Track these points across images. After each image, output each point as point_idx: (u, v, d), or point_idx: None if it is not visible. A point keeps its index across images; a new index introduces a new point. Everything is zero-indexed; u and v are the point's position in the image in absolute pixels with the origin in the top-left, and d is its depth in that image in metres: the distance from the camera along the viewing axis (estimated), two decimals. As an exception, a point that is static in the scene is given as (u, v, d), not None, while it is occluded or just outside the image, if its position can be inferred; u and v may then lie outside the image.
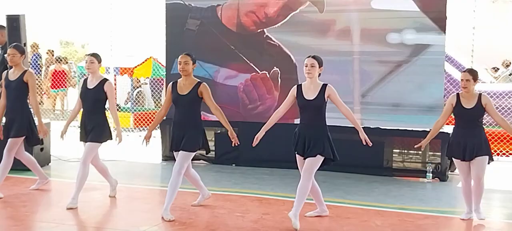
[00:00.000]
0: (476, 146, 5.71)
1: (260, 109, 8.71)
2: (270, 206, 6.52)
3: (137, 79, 14.64)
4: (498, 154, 9.24)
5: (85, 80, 6.39)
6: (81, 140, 6.45)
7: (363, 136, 5.59)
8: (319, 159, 5.61)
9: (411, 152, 8.48)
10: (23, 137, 6.67)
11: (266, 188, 7.42)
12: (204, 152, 6.28)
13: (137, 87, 14.78)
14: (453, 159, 5.92)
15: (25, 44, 8.14)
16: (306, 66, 5.57)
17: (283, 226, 5.58)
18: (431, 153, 8.30)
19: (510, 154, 9.31)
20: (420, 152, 8.55)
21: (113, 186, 6.81)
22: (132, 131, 12.96)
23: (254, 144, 5.71)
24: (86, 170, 6.18)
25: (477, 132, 5.75)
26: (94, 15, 14.83)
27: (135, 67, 13.71)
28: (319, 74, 5.63)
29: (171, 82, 6.01)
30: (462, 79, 5.73)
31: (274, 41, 8.63)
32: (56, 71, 15.28)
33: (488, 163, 5.81)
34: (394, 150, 8.43)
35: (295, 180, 7.70)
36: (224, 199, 6.84)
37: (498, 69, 13.28)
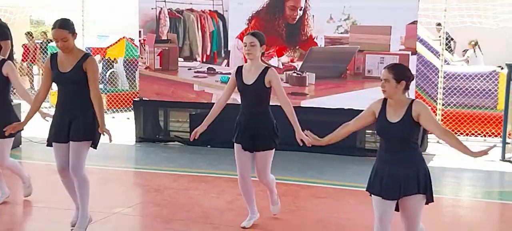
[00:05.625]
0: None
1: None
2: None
3: (110, 59, 14.48)
4: (467, 134, 9.39)
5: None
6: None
7: (299, 135, 4.70)
8: (271, 153, 4.98)
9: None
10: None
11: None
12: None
13: (110, 68, 14.63)
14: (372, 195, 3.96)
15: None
16: (245, 45, 4.75)
17: (258, 207, 5.60)
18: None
19: (478, 134, 9.47)
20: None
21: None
22: (106, 112, 12.83)
23: (192, 139, 4.97)
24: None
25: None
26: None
27: (108, 47, 13.55)
28: (262, 54, 4.88)
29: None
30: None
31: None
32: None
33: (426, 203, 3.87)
34: (367, 131, 8.49)
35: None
36: (199, 180, 6.84)
37: (466, 50, 13.44)
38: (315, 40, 8.30)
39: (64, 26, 4.51)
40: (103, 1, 13.40)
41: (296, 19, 8.37)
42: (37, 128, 9.54)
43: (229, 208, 5.71)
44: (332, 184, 6.73)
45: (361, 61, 8.13)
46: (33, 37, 15.97)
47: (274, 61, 8.48)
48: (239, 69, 4.88)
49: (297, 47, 8.40)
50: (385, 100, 3.91)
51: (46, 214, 5.59)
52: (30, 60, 15.92)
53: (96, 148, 4.76)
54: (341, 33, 8.22)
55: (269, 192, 5.31)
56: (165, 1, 8.98)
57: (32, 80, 16.12)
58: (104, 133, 4.58)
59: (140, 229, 5.42)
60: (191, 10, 8.91)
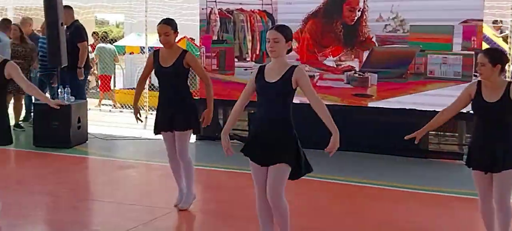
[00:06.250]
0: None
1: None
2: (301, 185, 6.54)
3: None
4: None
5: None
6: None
7: (334, 140, 4.04)
8: (286, 169, 4.10)
9: (447, 133, 8.38)
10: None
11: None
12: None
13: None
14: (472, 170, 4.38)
15: (62, 24, 8.28)
16: (268, 41, 4.15)
17: (312, 206, 5.58)
18: (468, 135, 8.17)
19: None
20: (456, 134, 8.45)
21: None
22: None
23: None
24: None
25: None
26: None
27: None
28: (289, 51, 4.22)
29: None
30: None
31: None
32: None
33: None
34: (430, 132, 8.32)
35: (322, 160, 7.73)
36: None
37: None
38: (372, 40, 8.22)
39: (168, 23, 5.24)
40: (164, 2, 13.66)
41: (354, 20, 8.31)
42: (101, 125, 9.87)
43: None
44: (392, 185, 6.62)
45: (423, 61, 8.00)
46: (99, 37, 16.43)
47: (329, 61, 8.45)
48: (262, 69, 4.20)
49: (354, 48, 8.34)
50: (479, 82, 4.25)
51: (110, 208, 5.74)
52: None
53: (199, 133, 5.67)
54: (389, 32, 8.13)
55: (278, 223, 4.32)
56: (215, 1, 9.07)
57: (98, 79, 16.50)
58: (203, 119, 5.38)
59: (201, 226, 5.50)
60: (241, 10, 8.95)
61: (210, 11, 9.07)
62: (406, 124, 8.08)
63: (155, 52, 5.38)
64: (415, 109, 7.92)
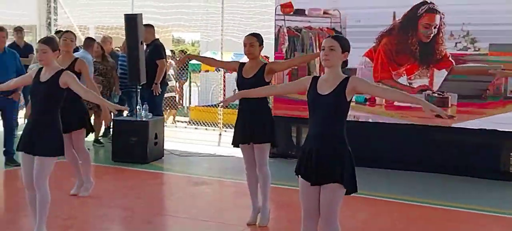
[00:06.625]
0: None
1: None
2: (380, 207, 6.40)
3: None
4: None
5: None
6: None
7: (430, 108, 3.75)
8: (341, 190, 3.85)
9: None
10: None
11: (377, 188, 7.28)
12: None
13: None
14: None
15: (142, 43, 8.53)
16: (323, 49, 3.92)
17: (394, 229, 5.46)
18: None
19: None
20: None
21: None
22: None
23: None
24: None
25: None
26: (205, 13, 15.26)
27: (244, 64, 13.90)
28: (345, 64, 4.00)
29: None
30: None
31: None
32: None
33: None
34: (512, 153, 8.00)
35: (400, 180, 7.56)
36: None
37: None
38: (449, 59, 7.98)
39: (255, 35, 5.48)
40: (240, 20, 13.83)
41: (430, 38, 8.11)
42: (177, 142, 10.05)
43: (363, 228, 5.61)
44: (473, 208, 6.38)
45: (502, 81, 7.72)
46: (175, 55, 16.83)
47: (403, 80, 8.26)
48: (315, 80, 3.98)
49: (429, 66, 8.12)
50: None
51: (185, 224, 5.81)
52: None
53: (276, 147, 5.83)
54: (459, 50, 7.89)
55: None
56: (284, 20, 9.08)
57: (182, 96, 16.80)
58: None
59: (273, 244, 5.47)
60: (309, 27, 8.90)
61: (278, 30, 9.10)
62: (486, 144, 7.85)
63: (241, 64, 5.53)
64: (496, 130, 7.64)
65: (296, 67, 8.29)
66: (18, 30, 10.48)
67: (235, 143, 5.58)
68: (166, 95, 12.92)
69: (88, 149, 7.16)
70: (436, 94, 8.06)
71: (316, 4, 8.83)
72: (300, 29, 8.99)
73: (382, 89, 3.96)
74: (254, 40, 5.39)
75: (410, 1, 8.14)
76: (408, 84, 8.19)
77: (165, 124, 9.38)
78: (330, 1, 8.63)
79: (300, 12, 8.91)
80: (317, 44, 8.88)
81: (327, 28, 8.79)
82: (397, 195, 6.82)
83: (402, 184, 7.41)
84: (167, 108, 13.17)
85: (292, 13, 8.96)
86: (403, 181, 7.55)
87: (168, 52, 16.66)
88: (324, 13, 8.74)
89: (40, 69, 4.84)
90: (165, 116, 13.34)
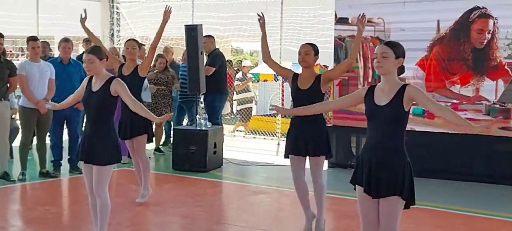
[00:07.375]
0: None
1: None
2: (443, 219, 6.23)
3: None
4: None
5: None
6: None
7: (476, 128, 3.73)
8: (400, 203, 3.77)
9: None
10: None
11: (439, 199, 7.10)
12: None
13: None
14: None
15: (202, 53, 8.63)
16: (376, 56, 3.81)
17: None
18: None
19: None
20: None
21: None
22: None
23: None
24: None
25: None
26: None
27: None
28: (402, 70, 3.84)
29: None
30: None
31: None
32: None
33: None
34: None
35: (468, 191, 7.35)
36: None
37: None
38: (505, 67, 7.70)
39: (311, 44, 5.44)
40: (299, 30, 13.81)
41: (484, 43, 7.84)
42: (236, 151, 10.11)
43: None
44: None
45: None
46: (232, 65, 16.97)
47: (455, 89, 8.01)
48: (371, 90, 3.88)
49: (484, 74, 7.85)
50: None
51: (244, 233, 5.82)
52: (230, 86, 16.86)
53: (330, 158, 5.69)
54: (505, 58, 7.65)
55: None
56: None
57: (232, 105, 16.95)
58: None
59: (332, 255, 5.41)
60: (353, 36, 8.75)
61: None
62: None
63: (295, 74, 5.44)
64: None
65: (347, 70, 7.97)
66: (87, 41, 10.82)
67: (287, 154, 5.48)
68: (243, 106, 13.15)
69: (149, 157, 7.29)
70: (497, 105, 7.79)
71: (359, 12, 8.73)
72: (344, 38, 8.88)
73: (438, 107, 3.74)
74: (309, 49, 5.33)
75: (456, 8, 7.91)
76: (464, 95, 7.94)
77: (224, 133, 9.45)
78: (374, 9, 8.45)
79: (343, 21, 8.81)
80: (362, 53, 8.76)
81: (371, 37, 8.66)
82: (461, 206, 6.63)
83: (466, 195, 7.22)
84: (241, 119, 13.31)
85: (335, 22, 8.91)
86: (467, 192, 7.36)
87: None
88: (368, 21, 8.61)
89: (90, 79, 4.84)
90: (234, 126, 13.49)
